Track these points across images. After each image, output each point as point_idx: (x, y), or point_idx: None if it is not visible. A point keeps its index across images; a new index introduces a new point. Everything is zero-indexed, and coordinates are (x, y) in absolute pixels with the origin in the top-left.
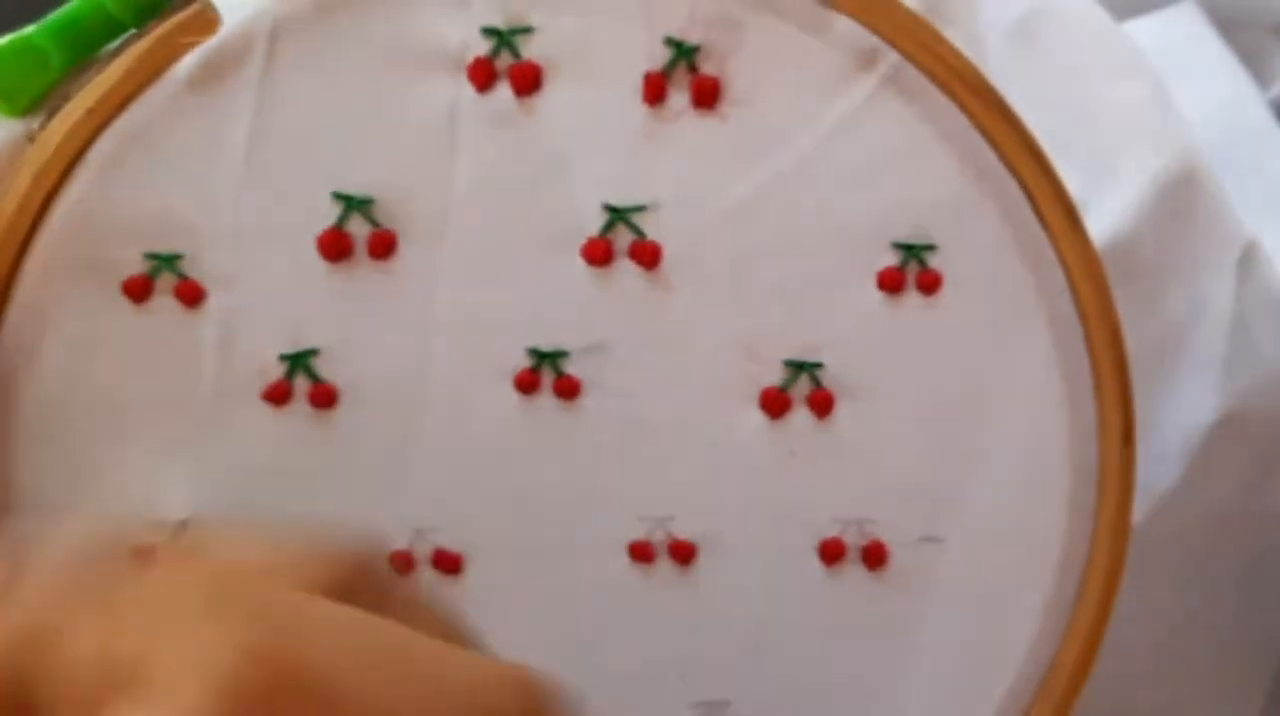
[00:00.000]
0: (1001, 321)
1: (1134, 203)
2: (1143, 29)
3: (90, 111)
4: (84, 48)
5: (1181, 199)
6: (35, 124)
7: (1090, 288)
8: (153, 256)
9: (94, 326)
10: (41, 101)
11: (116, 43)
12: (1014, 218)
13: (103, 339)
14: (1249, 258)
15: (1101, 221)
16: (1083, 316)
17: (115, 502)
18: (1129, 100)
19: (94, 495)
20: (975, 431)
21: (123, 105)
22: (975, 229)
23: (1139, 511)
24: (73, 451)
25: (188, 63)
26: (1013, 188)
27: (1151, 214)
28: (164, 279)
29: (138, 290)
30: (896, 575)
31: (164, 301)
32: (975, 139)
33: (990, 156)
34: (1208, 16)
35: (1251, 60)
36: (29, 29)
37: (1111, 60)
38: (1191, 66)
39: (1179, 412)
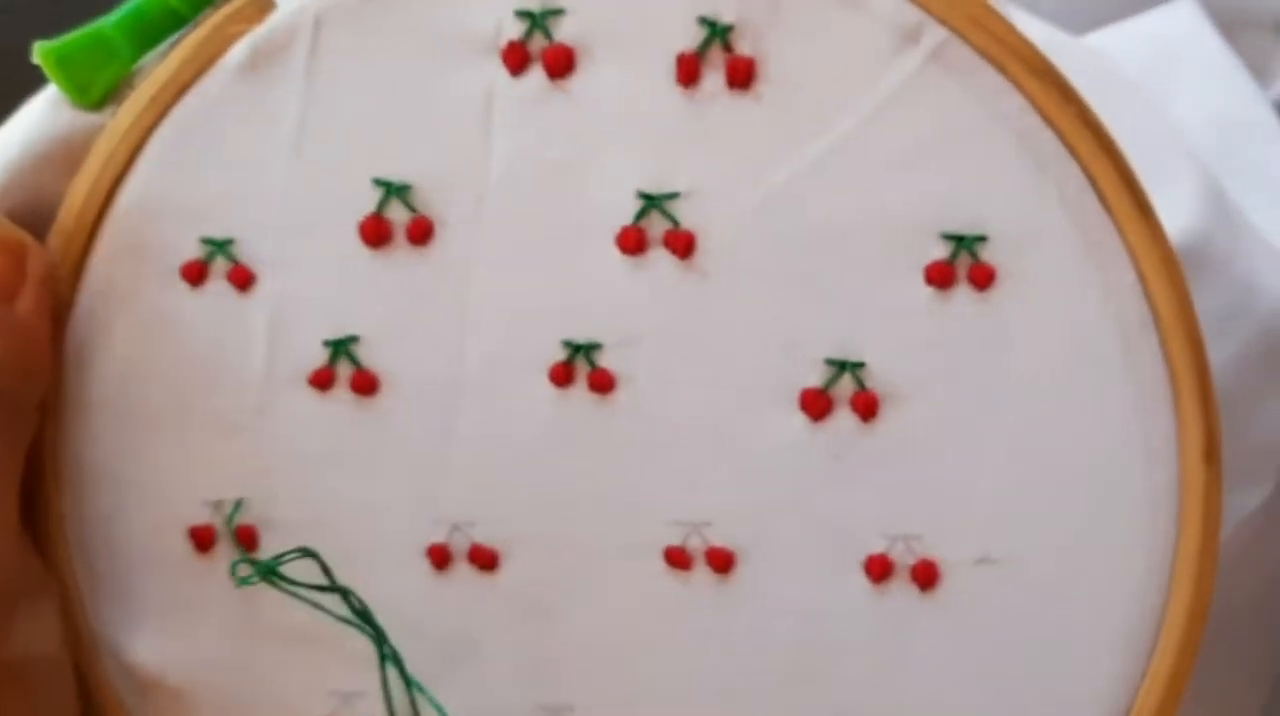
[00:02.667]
0: (1062, 321)
1: (1189, 200)
2: (1141, 26)
3: (152, 100)
4: (151, 39)
5: (1227, 207)
6: (108, 114)
7: (1164, 283)
8: (208, 241)
9: (156, 309)
10: (113, 92)
11: (180, 33)
12: (1076, 206)
13: (164, 321)
14: None
15: (1165, 218)
16: (1156, 316)
17: (174, 483)
18: (1146, 131)
19: (154, 475)
20: (1032, 443)
21: (180, 94)
22: (1032, 218)
23: (1220, 535)
24: (136, 431)
25: (238, 51)
26: (1074, 173)
27: (1208, 213)
28: (218, 263)
29: (194, 274)
30: (950, 599)
31: (218, 285)
32: (1032, 120)
33: (1049, 139)
34: (1207, 14)
35: (1251, 60)
36: (100, 21)
37: (1118, 97)
38: (1190, 64)
39: (1267, 427)
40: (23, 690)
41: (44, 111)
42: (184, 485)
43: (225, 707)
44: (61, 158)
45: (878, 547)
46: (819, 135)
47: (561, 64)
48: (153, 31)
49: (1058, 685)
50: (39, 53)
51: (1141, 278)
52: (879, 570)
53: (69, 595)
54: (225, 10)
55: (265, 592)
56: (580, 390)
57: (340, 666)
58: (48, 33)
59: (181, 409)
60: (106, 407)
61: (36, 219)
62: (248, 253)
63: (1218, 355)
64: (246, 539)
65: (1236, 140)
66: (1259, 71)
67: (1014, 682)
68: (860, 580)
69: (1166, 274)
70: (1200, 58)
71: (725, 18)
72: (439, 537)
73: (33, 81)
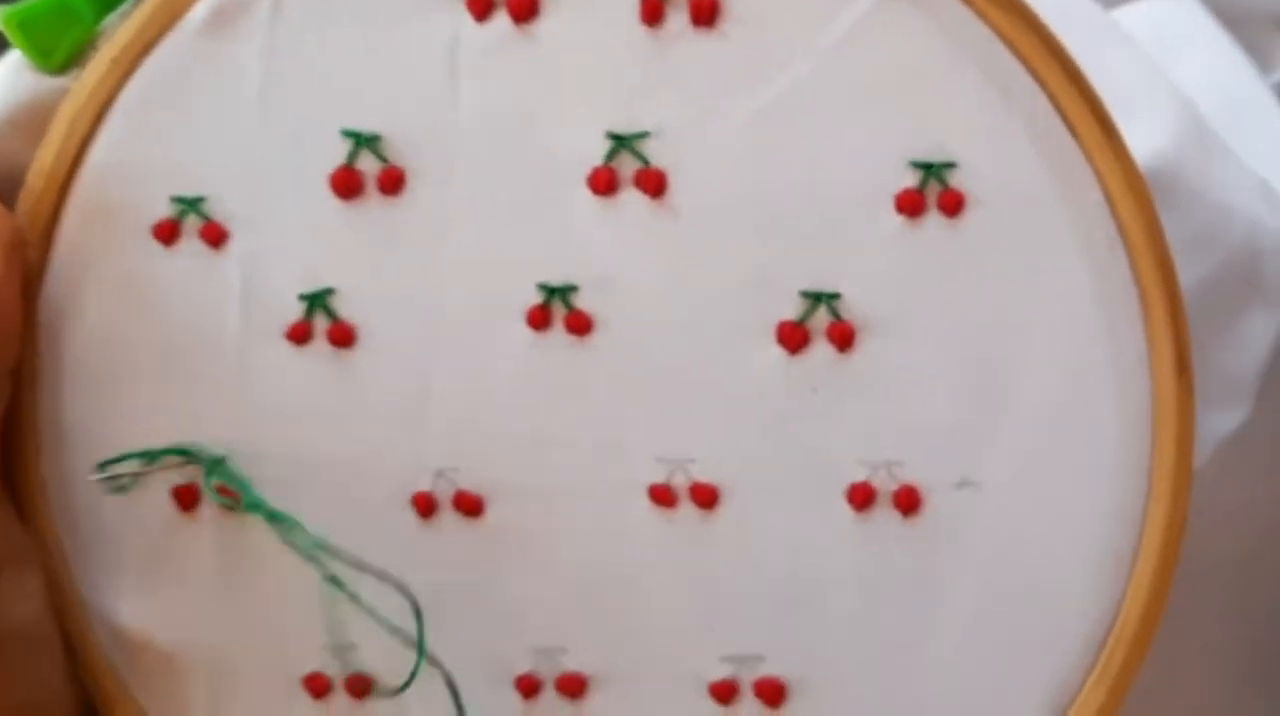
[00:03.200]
0: (1032, 244)
1: (1163, 127)
2: (1137, 13)
3: (114, 61)
4: (112, 1)
5: (1203, 134)
6: (73, 78)
7: (1131, 205)
8: (178, 199)
9: (130, 269)
10: (77, 55)
11: None
12: (1042, 130)
13: (138, 281)
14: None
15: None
16: (1125, 237)
17: (155, 442)
18: (1124, 64)
19: (134, 435)
20: (1008, 365)
21: (143, 54)
22: (999, 144)
23: (1199, 457)
24: (114, 391)
25: (199, 10)
26: (1040, 99)
27: (1182, 140)
28: (190, 221)
29: (166, 233)
30: (932, 522)
31: (191, 243)
32: (996, 48)
33: (1014, 66)
34: (1205, 5)
35: (1252, 51)
36: None
37: (1098, 32)
38: (1187, 49)
39: (1242, 349)
40: (10, 660)
41: (7, 77)
42: (165, 444)
43: (215, 666)
44: (26, 123)
45: (859, 476)
46: (784, 70)
47: (525, 8)
48: None
49: (1042, 603)
50: (0, 18)
51: (1109, 199)
52: (862, 498)
53: (54, 561)
54: None
55: (251, 550)
56: (558, 333)
57: (330, 620)
58: None
59: (159, 368)
60: (83, 369)
61: (3, 185)
62: (219, 210)
63: (1189, 276)
64: (230, 496)
65: (1235, 120)
66: (1260, 63)
67: (999, 602)
68: (844, 508)
69: (1133, 195)
70: (1197, 41)
71: None
72: (423, 486)
73: None
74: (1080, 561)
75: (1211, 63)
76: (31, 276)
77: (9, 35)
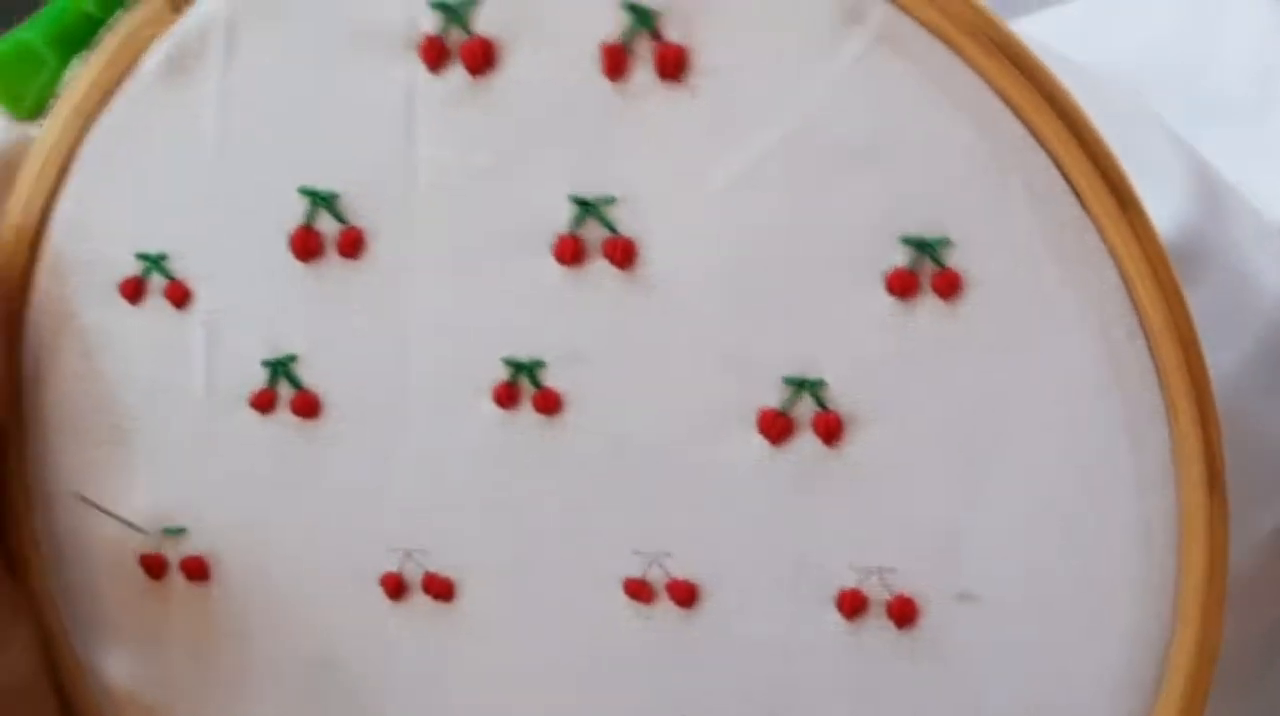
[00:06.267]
0: (1038, 330)
1: (1179, 187)
2: None
3: (75, 109)
4: (73, 44)
5: (1222, 194)
6: (41, 125)
7: (1152, 286)
8: (142, 256)
9: (99, 327)
10: (45, 102)
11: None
12: (1046, 199)
13: (106, 339)
14: None
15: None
16: (1144, 324)
17: (122, 506)
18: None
19: (104, 497)
20: (1011, 466)
21: (102, 102)
22: (998, 216)
23: (1238, 562)
24: (87, 450)
25: (155, 57)
26: (1041, 161)
27: (1203, 201)
28: (154, 279)
29: (132, 291)
30: (930, 637)
31: (156, 302)
32: (993, 103)
33: (1009, 122)
34: None
35: None
36: (19, 30)
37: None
38: (1233, 14)
39: None
40: None
41: None
42: (130, 509)
43: None
44: None
45: (849, 582)
46: (760, 130)
47: (481, 59)
48: (72, 36)
49: None
50: None
51: (1126, 280)
52: (851, 605)
53: (48, 617)
54: (137, 13)
55: (220, 619)
56: (526, 411)
57: (302, 694)
58: None
59: (126, 429)
60: (62, 426)
61: None
62: (181, 268)
63: (1218, 361)
64: (196, 570)
65: (1274, 85)
66: None
67: None
68: (833, 616)
69: (1154, 275)
70: (1243, 8)
71: (650, 2)
72: (391, 566)
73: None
74: (1095, 688)
75: (1257, 32)
76: (11, 330)
77: None
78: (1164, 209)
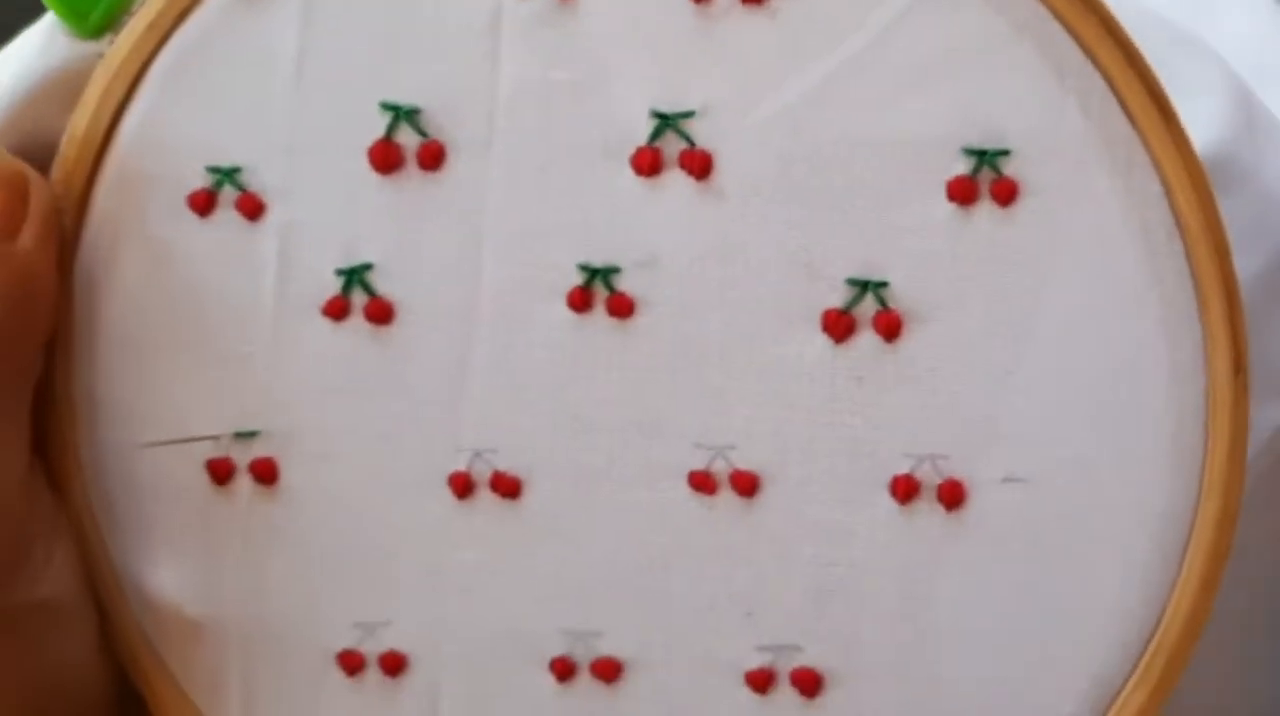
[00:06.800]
0: (1088, 235)
1: (1219, 109)
2: None
3: (149, 28)
4: None
5: (1257, 117)
6: (107, 43)
7: (1190, 195)
8: (214, 169)
9: (164, 240)
10: (112, 20)
11: None
12: (1099, 116)
13: (173, 252)
14: None
15: (1193, 128)
16: (1182, 228)
17: (189, 416)
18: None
19: (168, 408)
20: (1059, 359)
21: (178, 20)
22: (1055, 130)
23: (1249, 451)
24: (149, 363)
25: None
26: (1097, 82)
27: (1238, 125)
28: (226, 192)
29: (202, 203)
30: (976, 518)
31: (227, 214)
32: (1053, 28)
33: (1070, 48)
34: None
35: None
36: None
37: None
38: (1225, 7)
39: None
40: (42, 632)
41: (41, 42)
42: (199, 418)
43: (248, 639)
44: (61, 89)
45: (903, 468)
46: (834, 50)
47: None
48: None
49: (1085, 603)
50: None
51: (1167, 187)
52: (905, 490)
53: (87, 531)
54: None
55: (284, 525)
56: (599, 315)
57: (362, 597)
58: None
59: (194, 341)
60: (118, 340)
61: (37, 153)
62: (256, 181)
63: (1244, 267)
64: (265, 471)
65: (1273, 79)
66: None
67: (1042, 601)
68: (886, 500)
69: (1192, 183)
70: (1242, 8)
71: None
72: (460, 466)
73: (30, 11)
74: (1127, 562)
75: (1250, 19)
76: (66, 246)
77: None
78: (1205, 127)
